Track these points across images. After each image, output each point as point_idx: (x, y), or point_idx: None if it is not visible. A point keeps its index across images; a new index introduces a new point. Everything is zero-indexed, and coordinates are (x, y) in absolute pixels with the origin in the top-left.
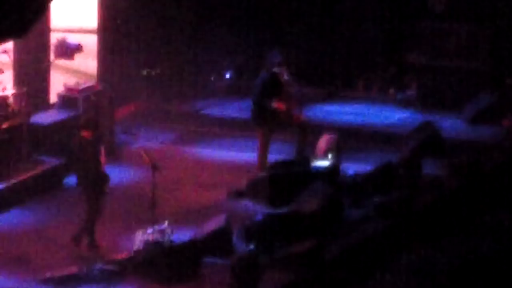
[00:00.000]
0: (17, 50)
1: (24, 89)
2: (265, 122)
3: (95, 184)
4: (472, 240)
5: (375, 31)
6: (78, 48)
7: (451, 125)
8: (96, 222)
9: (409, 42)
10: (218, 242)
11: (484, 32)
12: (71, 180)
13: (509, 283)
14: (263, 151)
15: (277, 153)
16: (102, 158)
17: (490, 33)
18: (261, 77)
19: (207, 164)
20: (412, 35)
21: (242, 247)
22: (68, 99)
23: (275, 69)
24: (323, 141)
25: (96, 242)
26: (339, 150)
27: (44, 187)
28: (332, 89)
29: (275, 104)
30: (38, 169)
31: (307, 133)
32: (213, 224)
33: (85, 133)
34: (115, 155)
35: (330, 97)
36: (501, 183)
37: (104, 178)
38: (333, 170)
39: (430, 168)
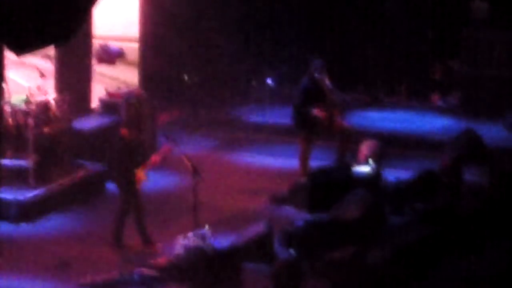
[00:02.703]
0: (59, 56)
1: (66, 94)
2: (307, 128)
3: (130, 183)
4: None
5: (418, 38)
6: (119, 53)
7: (493, 132)
8: (142, 218)
9: (452, 49)
10: (259, 248)
11: None
12: (112, 185)
13: None
14: (305, 158)
15: (319, 160)
16: (150, 162)
17: None
18: (303, 84)
19: (248, 170)
20: (455, 43)
21: (283, 253)
22: (109, 105)
23: (318, 76)
24: (365, 148)
25: (149, 237)
26: (381, 156)
27: (85, 192)
28: (374, 96)
29: (316, 112)
30: (80, 174)
31: (349, 140)
32: (254, 230)
33: (124, 132)
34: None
35: (371, 104)
36: None
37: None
38: (374, 176)
39: (472, 175)
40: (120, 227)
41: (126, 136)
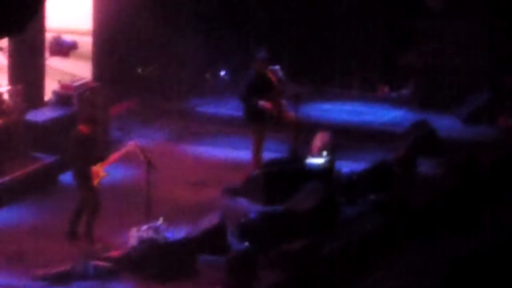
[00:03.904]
0: (12, 48)
1: (19, 86)
2: (256, 120)
3: (87, 179)
4: (468, 238)
5: (371, 29)
6: (73, 45)
7: (446, 123)
8: (94, 216)
9: (405, 40)
10: (213, 239)
11: (481, 30)
12: (66, 177)
13: (506, 280)
14: (257, 149)
15: (272, 151)
16: (112, 158)
17: (488, 32)
18: (249, 76)
19: (202, 161)
20: (409, 34)
21: (237, 245)
22: (63, 97)
23: (271, 68)
24: (318, 139)
25: (93, 236)
26: (334, 148)
27: (39, 184)
28: (319, 86)
29: (261, 103)
30: (33, 166)
31: (300, 131)
32: (208, 221)
33: (83, 128)
34: (109, 153)
35: (317, 94)
36: (496, 181)
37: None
38: (328, 168)
39: (425, 166)
40: (76, 221)
41: (84, 132)
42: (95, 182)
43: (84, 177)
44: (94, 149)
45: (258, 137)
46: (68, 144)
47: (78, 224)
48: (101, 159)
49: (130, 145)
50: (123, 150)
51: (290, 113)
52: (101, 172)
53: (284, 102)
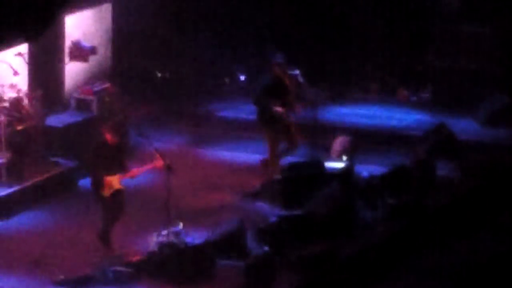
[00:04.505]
0: (31, 53)
1: (39, 91)
2: (269, 124)
3: (99, 188)
4: (486, 242)
5: (389, 33)
6: (92, 50)
7: (465, 126)
8: (109, 224)
9: (423, 44)
10: (232, 244)
11: (498, 34)
12: (85, 182)
13: None
14: (273, 153)
15: (291, 155)
16: (135, 171)
17: (505, 35)
18: (263, 79)
19: (221, 166)
20: (426, 37)
21: (256, 249)
22: (82, 101)
23: (290, 72)
24: (338, 143)
25: (109, 244)
26: (353, 152)
27: (58, 189)
28: (338, 91)
29: (275, 108)
30: (53, 171)
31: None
32: (227, 226)
33: (108, 136)
34: (129, 157)
35: (336, 98)
36: None
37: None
38: (347, 172)
39: (444, 169)
40: (108, 231)
41: (108, 140)
42: (106, 192)
43: (97, 185)
44: (115, 158)
45: (272, 141)
46: (88, 149)
47: (110, 230)
48: (123, 170)
49: (157, 163)
50: (148, 166)
51: (295, 128)
52: (116, 183)
53: (299, 107)
